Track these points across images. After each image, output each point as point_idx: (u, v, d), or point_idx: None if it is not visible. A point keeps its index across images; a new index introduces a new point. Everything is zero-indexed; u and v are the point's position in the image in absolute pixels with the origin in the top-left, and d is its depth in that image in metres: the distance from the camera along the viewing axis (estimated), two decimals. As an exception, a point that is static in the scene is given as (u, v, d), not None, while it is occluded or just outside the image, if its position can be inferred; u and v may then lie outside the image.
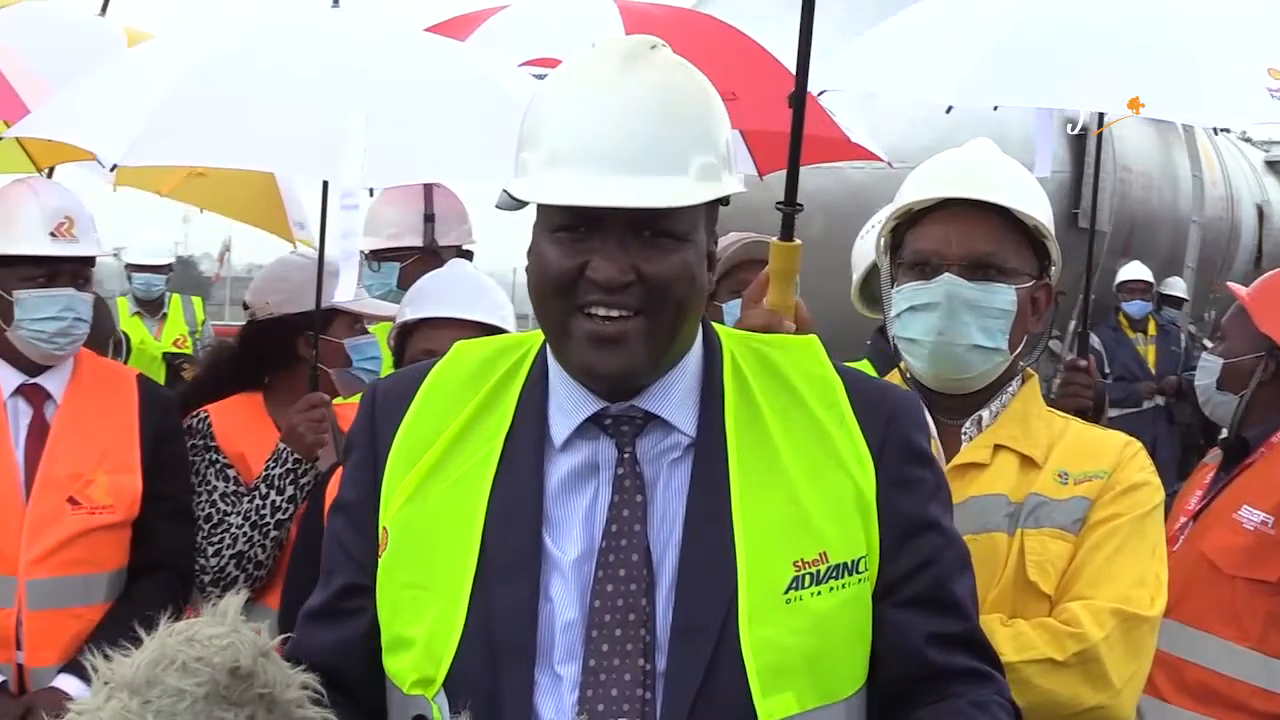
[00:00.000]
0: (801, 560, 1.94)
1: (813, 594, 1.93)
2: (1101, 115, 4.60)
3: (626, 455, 1.99)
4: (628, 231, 1.90)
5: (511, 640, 1.92)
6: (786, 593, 1.92)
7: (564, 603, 1.94)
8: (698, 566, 1.93)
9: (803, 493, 1.97)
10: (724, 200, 1.99)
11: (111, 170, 4.08)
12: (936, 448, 2.67)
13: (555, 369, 2.03)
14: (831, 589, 1.94)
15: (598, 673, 1.91)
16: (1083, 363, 4.51)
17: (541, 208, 1.96)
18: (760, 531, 1.94)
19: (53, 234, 3.91)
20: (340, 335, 4.20)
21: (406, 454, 2.04)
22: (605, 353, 1.92)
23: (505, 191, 2.02)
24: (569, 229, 1.92)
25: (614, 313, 1.91)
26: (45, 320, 3.88)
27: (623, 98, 1.90)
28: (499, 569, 1.95)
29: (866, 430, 2.02)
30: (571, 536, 1.97)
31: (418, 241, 5.09)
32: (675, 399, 2.01)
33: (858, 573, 1.97)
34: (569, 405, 2.01)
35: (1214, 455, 4.20)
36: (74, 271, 3.94)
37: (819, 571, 1.94)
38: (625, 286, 1.90)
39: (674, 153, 1.90)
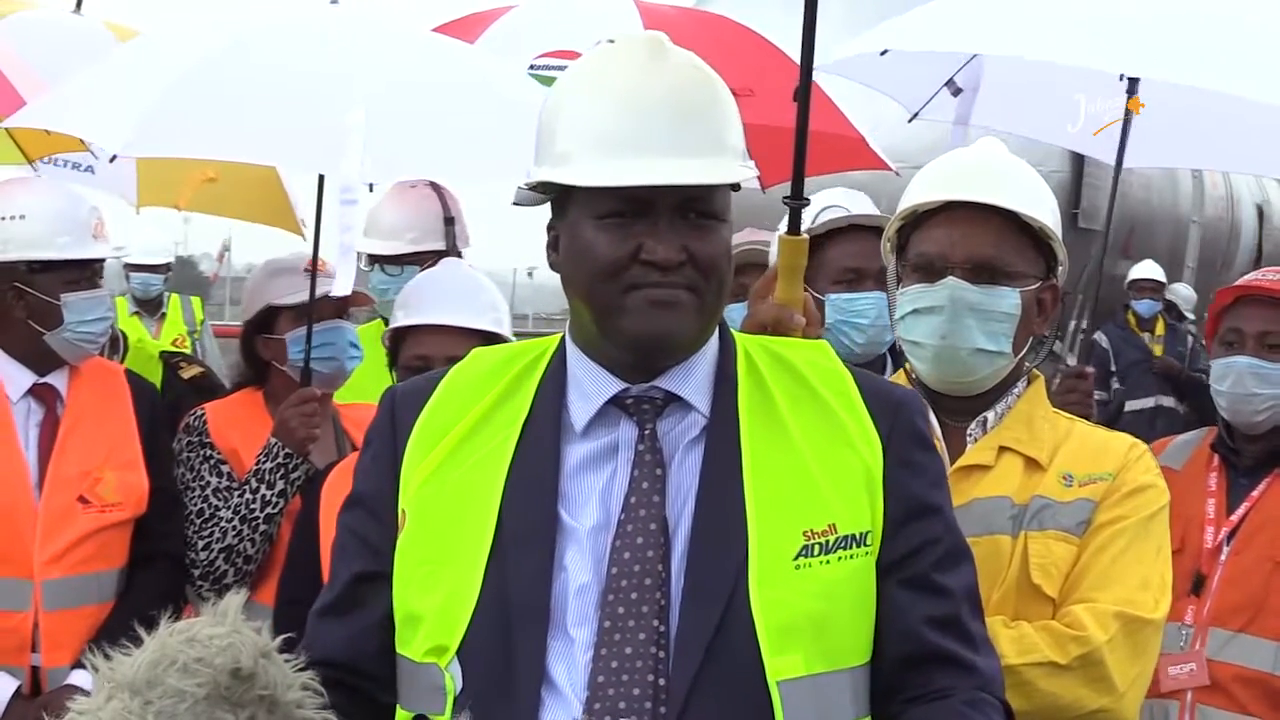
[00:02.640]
0: (811, 530, 2.00)
1: (822, 562, 2.00)
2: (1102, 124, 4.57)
3: (647, 433, 2.05)
4: (675, 214, 1.99)
5: (525, 605, 1.98)
6: (796, 559, 1.99)
7: (578, 569, 2.00)
8: (710, 534, 2.00)
9: (812, 468, 2.04)
10: (736, 185, 2.07)
11: (111, 161, 4.08)
12: (941, 449, 2.68)
13: (576, 359, 2.10)
14: (840, 559, 2.01)
15: (612, 633, 1.96)
16: (1088, 370, 4.45)
17: (581, 196, 2.01)
18: (770, 502, 2.01)
19: (94, 236, 3.95)
20: (286, 331, 4.19)
21: (425, 441, 2.10)
22: (660, 313, 2.00)
23: (524, 186, 2.06)
24: (618, 214, 1.99)
25: (668, 291, 1.99)
26: (93, 322, 3.92)
27: (658, 85, 2.00)
28: (514, 540, 2.01)
29: (875, 415, 2.09)
30: (587, 510, 2.03)
31: (440, 245, 5.12)
32: (694, 382, 2.08)
33: (864, 545, 2.03)
34: (591, 389, 2.07)
35: (1179, 451, 4.11)
36: (98, 272, 3.99)
37: (828, 542, 2.01)
38: (679, 266, 1.98)
39: (713, 134, 2.02)
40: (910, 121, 5.04)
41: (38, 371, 3.92)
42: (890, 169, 5.44)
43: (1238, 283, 4.19)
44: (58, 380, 3.95)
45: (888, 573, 2.04)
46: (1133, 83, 4.45)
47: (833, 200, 4.08)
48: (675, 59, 2.04)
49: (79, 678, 3.73)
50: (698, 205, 2.00)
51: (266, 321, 4.20)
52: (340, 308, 4.21)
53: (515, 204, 2.16)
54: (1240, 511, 3.92)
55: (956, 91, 4.80)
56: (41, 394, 3.92)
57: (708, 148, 1.99)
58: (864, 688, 2.03)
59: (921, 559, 2.05)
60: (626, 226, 1.99)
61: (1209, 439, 4.08)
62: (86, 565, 3.82)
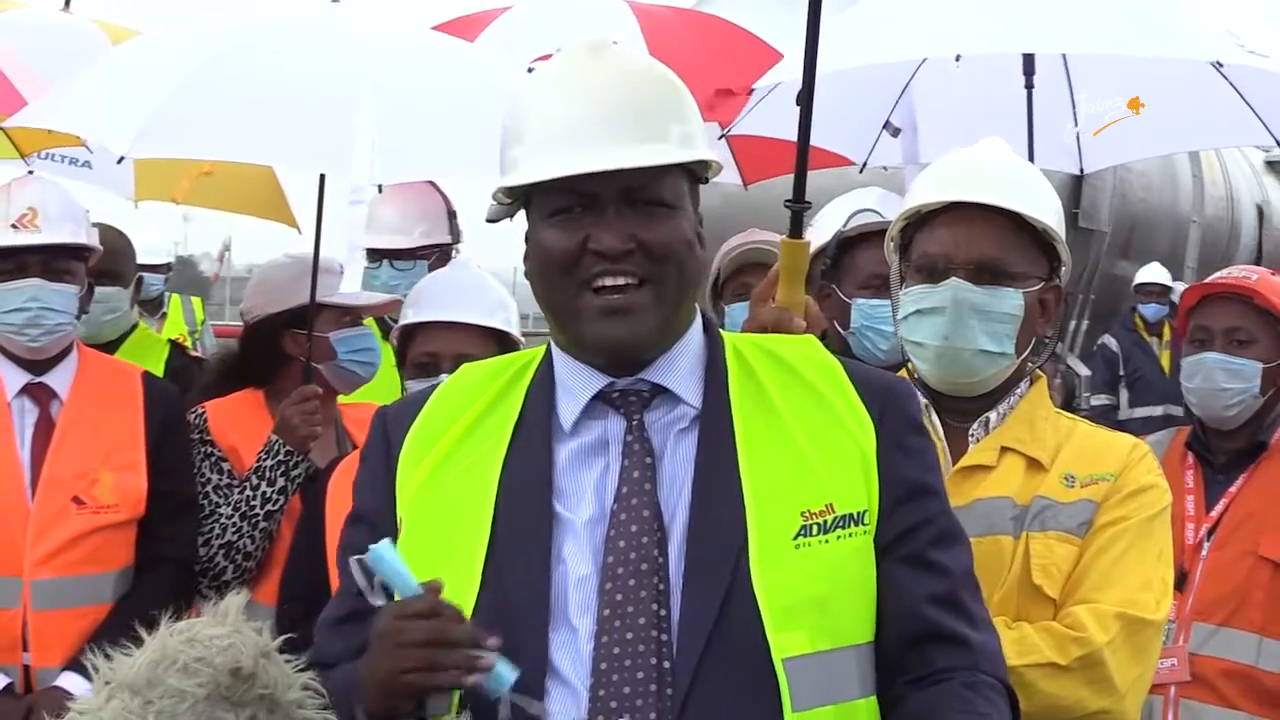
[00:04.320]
0: (809, 511, 2.03)
1: (821, 541, 2.02)
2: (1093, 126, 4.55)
3: (635, 423, 2.07)
4: (622, 203, 2.01)
5: (525, 599, 2.00)
6: (795, 540, 2.01)
7: (576, 561, 2.02)
8: (708, 519, 2.02)
9: (807, 450, 2.06)
10: (703, 178, 2.10)
11: (119, 162, 4.08)
12: (942, 449, 2.68)
13: (561, 360, 2.12)
14: (839, 537, 2.03)
15: (613, 620, 1.98)
16: None
17: (536, 198, 2.06)
18: (767, 485, 2.03)
19: (14, 225, 3.87)
20: (327, 329, 4.19)
21: (417, 450, 2.12)
22: (616, 321, 2.02)
23: (493, 200, 2.09)
24: (565, 210, 2.03)
25: (620, 280, 2.01)
26: (11, 312, 3.86)
27: (597, 81, 2.04)
28: (511, 536, 2.03)
29: (867, 401, 2.11)
30: (583, 504, 2.06)
31: (448, 239, 5.21)
32: (680, 373, 2.10)
33: (862, 524, 2.05)
34: (576, 386, 2.09)
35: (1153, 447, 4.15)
36: (43, 263, 3.89)
37: (826, 521, 2.03)
38: (627, 254, 2.01)
39: (653, 123, 2.04)
40: (861, 172, 4.94)
41: (33, 371, 3.92)
42: (852, 163, 5.39)
43: (1205, 281, 4.22)
44: (56, 380, 3.93)
45: (886, 552, 2.06)
46: (1028, 61, 4.42)
47: (867, 203, 4.05)
48: (615, 56, 2.07)
49: (67, 679, 3.72)
50: (643, 193, 2.01)
51: (289, 319, 4.18)
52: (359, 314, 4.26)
53: (488, 220, 2.18)
54: (1219, 508, 3.97)
55: (895, 132, 4.71)
56: (36, 393, 3.91)
57: (646, 135, 2.01)
58: (869, 667, 2.04)
59: (919, 537, 2.07)
60: (575, 220, 2.02)
61: (1181, 437, 4.13)
62: (79, 567, 3.80)
